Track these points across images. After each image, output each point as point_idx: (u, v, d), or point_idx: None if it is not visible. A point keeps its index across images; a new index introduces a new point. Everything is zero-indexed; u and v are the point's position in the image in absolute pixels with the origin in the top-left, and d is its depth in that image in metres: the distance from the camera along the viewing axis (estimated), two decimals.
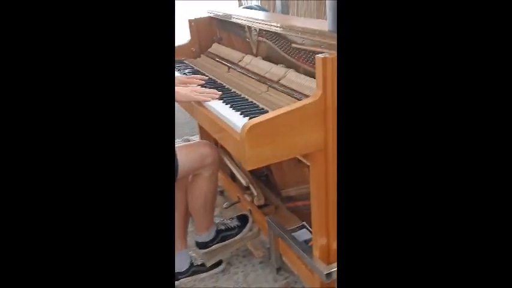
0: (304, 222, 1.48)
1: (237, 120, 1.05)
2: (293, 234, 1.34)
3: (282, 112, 0.94)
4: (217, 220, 1.57)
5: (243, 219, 1.54)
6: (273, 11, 3.14)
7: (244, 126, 0.91)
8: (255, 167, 0.97)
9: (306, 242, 1.34)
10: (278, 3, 2.52)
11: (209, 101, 1.21)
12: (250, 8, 2.74)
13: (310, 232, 1.36)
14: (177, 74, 1.59)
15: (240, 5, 4.07)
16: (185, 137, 2.89)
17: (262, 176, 1.79)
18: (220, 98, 1.23)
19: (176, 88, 1.23)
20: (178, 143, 1.41)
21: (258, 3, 3.87)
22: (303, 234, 1.42)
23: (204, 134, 1.95)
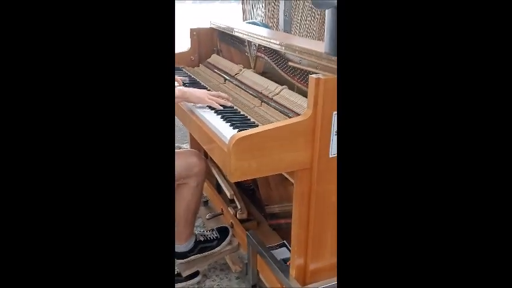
0: (284, 241, 1.47)
1: (226, 131, 1.05)
2: (272, 251, 1.33)
3: (271, 127, 0.94)
4: (198, 230, 1.55)
5: (223, 232, 1.53)
6: (276, 29, 3.19)
7: (232, 138, 0.91)
8: (240, 180, 0.97)
9: (285, 260, 1.33)
10: (281, 22, 2.56)
11: (219, 107, 1.24)
12: (254, 23, 2.78)
13: (290, 251, 1.35)
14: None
15: (244, 19, 4.13)
16: (176, 145, 2.88)
17: (249, 190, 1.79)
18: (212, 109, 1.23)
19: (191, 89, 1.26)
20: None
21: (262, 19, 3.93)
22: (282, 253, 1.41)
23: (194, 142, 1.95)
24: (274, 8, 3.58)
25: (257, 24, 2.63)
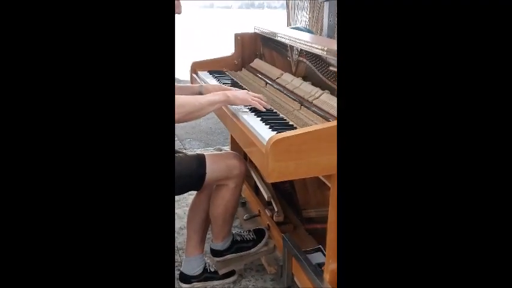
0: (320, 246, 1.46)
1: (264, 133, 1.07)
2: (307, 255, 1.33)
3: (308, 130, 0.95)
4: (236, 230, 1.58)
5: (259, 233, 1.55)
6: (320, 34, 3.18)
7: (270, 139, 0.94)
8: (277, 181, 0.98)
9: (319, 265, 1.32)
10: (325, 27, 2.54)
11: (262, 109, 1.25)
12: (298, 29, 2.79)
13: (325, 256, 1.35)
14: (215, 83, 1.65)
15: (288, 24, 4.15)
16: (217, 147, 2.95)
17: (286, 194, 1.80)
18: (252, 111, 1.26)
19: (234, 92, 1.28)
20: (211, 152, 1.45)
21: (306, 25, 3.93)
22: (317, 257, 1.40)
23: (234, 144, 1.99)
24: (318, 13, 3.58)
25: (301, 30, 2.64)
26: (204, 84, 1.53)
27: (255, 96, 1.28)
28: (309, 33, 2.44)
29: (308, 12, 3.90)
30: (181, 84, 1.52)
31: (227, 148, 2.89)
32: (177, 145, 2.93)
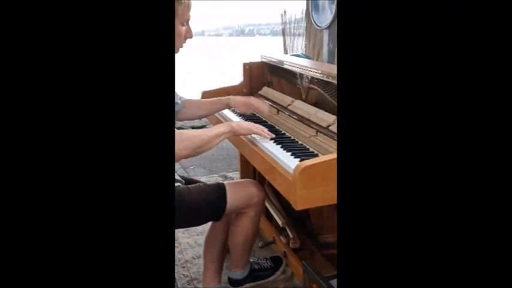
0: None
1: (288, 160, 1.08)
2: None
3: (334, 157, 0.97)
4: (251, 258, 1.57)
5: (276, 261, 1.54)
6: (317, 59, 3.26)
7: (297, 166, 0.95)
8: (304, 208, 0.99)
9: None
10: (325, 53, 2.62)
11: (267, 138, 1.26)
12: (298, 56, 2.86)
13: None
14: (229, 113, 1.67)
15: (285, 51, 4.25)
16: (222, 173, 2.95)
17: (299, 219, 1.79)
18: (271, 138, 1.28)
19: (238, 122, 1.29)
20: (216, 179, 1.45)
21: (303, 51, 4.02)
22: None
23: (244, 171, 2.00)
24: (315, 39, 3.67)
25: (300, 57, 2.72)
26: (231, 96, 1.54)
27: (258, 128, 1.28)
28: (311, 60, 2.51)
29: (305, 39, 3.99)
30: (212, 99, 1.54)
31: (232, 175, 2.89)
32: (181, 173, 2.93)
